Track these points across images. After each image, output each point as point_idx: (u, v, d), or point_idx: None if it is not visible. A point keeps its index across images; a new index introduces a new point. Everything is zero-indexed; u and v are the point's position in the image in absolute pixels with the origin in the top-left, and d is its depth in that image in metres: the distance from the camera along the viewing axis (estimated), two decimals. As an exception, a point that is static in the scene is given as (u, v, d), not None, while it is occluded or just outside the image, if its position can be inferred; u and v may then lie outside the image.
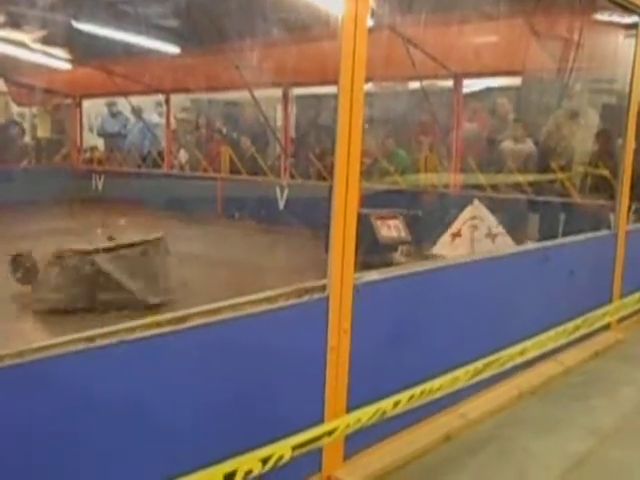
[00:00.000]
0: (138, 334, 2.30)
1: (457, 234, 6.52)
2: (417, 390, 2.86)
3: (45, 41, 10.02)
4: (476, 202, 6.84)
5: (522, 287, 4.22)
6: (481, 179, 8.39)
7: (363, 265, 6.90)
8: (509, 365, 3.47)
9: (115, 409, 2.24)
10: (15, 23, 9.25)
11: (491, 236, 6.51)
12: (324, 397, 2.89)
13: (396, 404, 2.75)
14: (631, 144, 5.45)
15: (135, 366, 2.30)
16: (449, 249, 6.46)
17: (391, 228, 6.74)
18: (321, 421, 2.84)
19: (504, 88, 10.41)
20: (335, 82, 2.81)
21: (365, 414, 2.64)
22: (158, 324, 2.37)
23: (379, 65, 6.40)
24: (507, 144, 8.66)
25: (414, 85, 9.86)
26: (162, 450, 2.37)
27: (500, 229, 6.57)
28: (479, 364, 3.27)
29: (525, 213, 7.75)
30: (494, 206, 7.55)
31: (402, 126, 10.61)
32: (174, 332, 2.38)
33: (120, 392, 2.25)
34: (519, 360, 3.52)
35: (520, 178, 8.06)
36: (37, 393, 2.06)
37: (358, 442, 3.05)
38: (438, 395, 3.00)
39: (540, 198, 7.81)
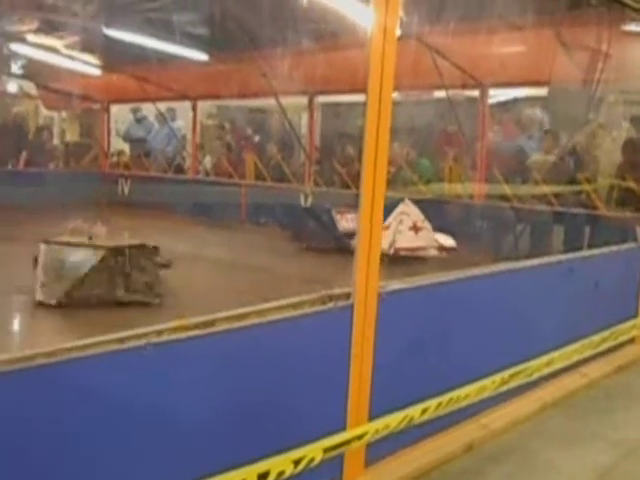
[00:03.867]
0: (166, 337, 2.34)
1: (386, 227, 7.36)
2: (445, 398, 2.88)
3: (76, 47, 10.20)
4: (407, 200, 7.89)
5: (546, 298, 4.21)
6: (506, 189, 8.36)
7: (323, 250, 7.38)
8: (535, 376, 3.47)
9: (143, 410, 2.28)
10: (48, 29, 9.43)
11: (415, 229, 7.69)
12: (346, 403, 2.90)
13: (424, 411, 2.77)
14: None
15: (163, 368, 2.34)
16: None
17: (349, 221, 8.27)
18: (343, 428, 2.86)
19: (530, 98, 10.39)
20: (360, 90, 2.83)
21: (393, 420, 2.65)
22: (186, 328, 2.41)
23: (404, 74, 6.44)
24: (537, 156, 8.64)
25: (439, 94, 9.88)
26: (186, 452, 2.41)
27: (426, 224, 7.70)
28: (506, 374, 3.27)
29: (550, 224, 7.71)
30: (519, 217, 7.55)
31: (426, 135, 10.62)
32: (201, 336, 2.42)
33: (148, 394, 2.29)
34: (545, 371, 3.51)
35: (546, 189, 8.03)
36: (67, 392, 2.10)
37: (380, 449, 3.06)
38: (465, 403, 3.01)
39: (565, 209, 7.77)
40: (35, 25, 9.61)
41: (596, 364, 4.65)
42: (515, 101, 10.21)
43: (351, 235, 7.60)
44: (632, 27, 6.47)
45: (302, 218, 9.20)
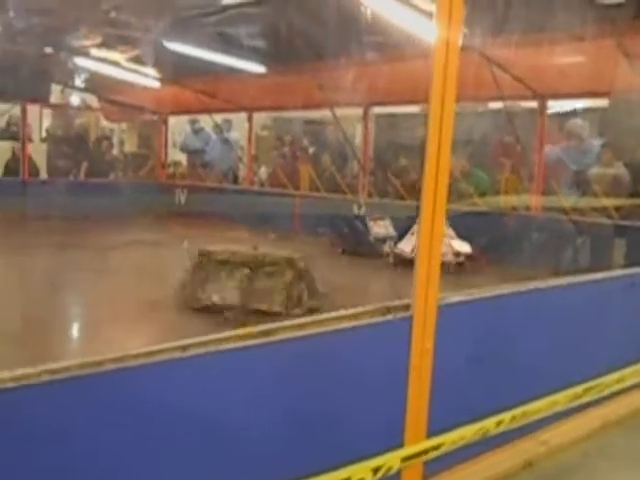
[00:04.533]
0: (229, 345, 2.38)
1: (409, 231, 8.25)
2: (518, 411, 2.84)
3: (137, 60, 10.48)
4: None
5: (609, 313, 4.11)
6: (563, 202, 8.21)
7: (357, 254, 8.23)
8: (606, 392, 3.39)
9: (203, 419, 2.31)
10: (111, 43, 9.72)
11: None
12: (405, 416, 2.89)
13: (499, 423, 2.73)
14: None
15: (224, 376, 2.37)
16: (405, 244, 8.26)
17: (381, 227, 9.11)
18: (401, 440, 2.84)
19: (590, 110, 10.19)
20: (416, 101, 2.84)
21: (468, 431, 2.62)
22: (247, 336, 2.44)
23: (462, 85, 6.40)
24: (596, 168, 8.46)
25: (495, 105, 9.78)
26: (245, 461, 2.43)
27: (450, 231, 7.85)
28: (579, 389, 3.21)
29: (611, 238, 7.52)
30: (578, 230, 7.40)
31: (482, 147, 10.51)
32: (261, 345, 2.44)
33: (209, 402, 2.33)
34: (616, 388, 3.43)
35: (606, 202, 7.84)
36: (131, 399, 2.15)
37: (437, 464, 3.03)
38: (536, 417, 2.96)
39: (627, 223, 7.57)
40: (99, 40, 9.93)
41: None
42: (574, 112, 10.01)
43: (382, 240, 8.80)
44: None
45: (339, 226, 9.70)
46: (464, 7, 2.83)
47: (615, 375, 3.42)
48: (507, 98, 8.66)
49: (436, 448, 2.49)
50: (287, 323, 2.63)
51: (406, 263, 7.99)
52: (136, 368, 2.16)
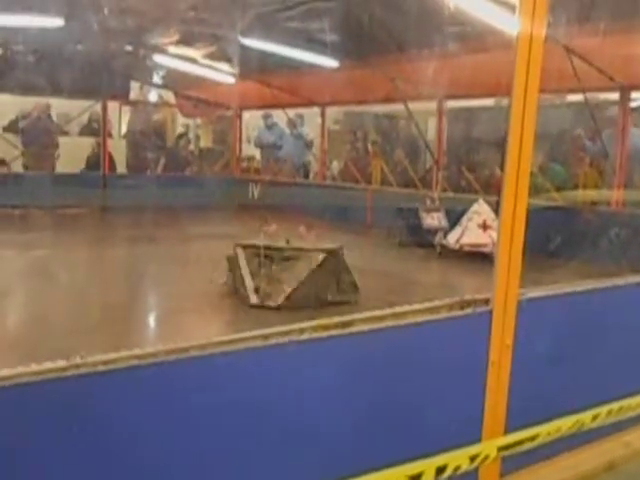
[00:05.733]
0: (307, 335, 2.41)
1: (457, 223, 8.68)
2: (615, 405, 2.77)
3: (213, 56, 10.68)
4: (480, 200, 8.71)
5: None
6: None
7: (411, 243, 8.63)
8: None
9: (281, 407, 2.35)
10: (188, 40, 9.94)
11: (484, 227, 8.40)
12: (483, 411, 2.86)
13: (595, 417, 2.67)
14: None
15: (302, 366, 2.40)
16: (452, 236, 8.62)
17: (434, 219, 9.14)
18: (478, 436, 2.82)
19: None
20: (493, 94, 2.79)
21: (564, 423, 2.58)
22: (326, 327, 2.47)
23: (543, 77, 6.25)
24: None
25: (573, 97, 9.49)
26: (321, 452, 2.46)
27: (496, 223, 7.77)
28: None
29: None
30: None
31: (560, 140, 10.23)
32: (339, 336, 2.46)
33: (287, 391, 2.36)
34: None
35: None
36: (212, 383, 2.22)
37: (515, 462, 2.98)
38: (633, 413, 2.88)
39: None
40: (176, 37, 10.17)
41: None
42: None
43: (435, 232, 8.95)
44: None
45: (396, 218, 9.81)
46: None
47: None
48: (588, 90, 8.39)
49: (532, 439, 2.46)
50: (367, 314, 2.63)
51: (451, 254, 8.38)
52: (218, 355, 2.21)
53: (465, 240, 8.37)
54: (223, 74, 11.77)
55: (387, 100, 11.38)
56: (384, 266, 7.79)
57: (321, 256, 5.79)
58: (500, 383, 2.87)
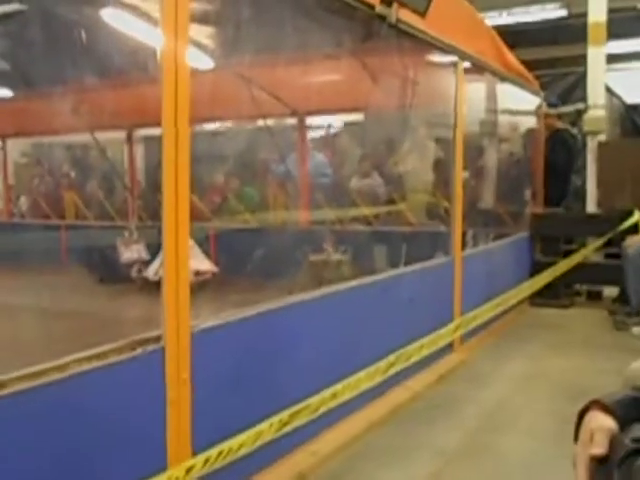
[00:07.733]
0: None
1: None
2: (275, 419, 2.84)
3: None
4: None
5: (365, 317, 4.33)
6: (330, 214, 8.58)
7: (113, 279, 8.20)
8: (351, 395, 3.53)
9: None
10: None
11: None
12: (166, 452, 2.77)
13: (271, 426, 2.69)
14: (460, 174, 5.80)
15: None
16: (150, 268, 8.19)
17: (133, 251, 8.79)
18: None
19: (350, 124, 10.87)
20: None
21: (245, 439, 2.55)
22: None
23: (216, 104, 6.45)
24: (354, 180, 9.01)
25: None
26: None
27: (194, 250, 7.61)
28: (327, 394, 3.30)
29: (371, 245, 7.99)
30: (342, 239, 7.76)
31: (249, 164, 10.64)
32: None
33: None
34: (355, 392, 3.59)
35: (365, 211, 8.34)
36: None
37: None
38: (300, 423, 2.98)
39: (385, 229, 8.10)
40: None
41: (419, 376, 4.85)
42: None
43: (133, 264, 8.62)
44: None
45: (92, 255, 9.41)
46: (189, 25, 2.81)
47: (352, 378, 3.60)
48: (270, 116, 8.86)
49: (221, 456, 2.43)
50: (23, 372, 2.38)
51: (153, 286, 7.96)
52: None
53: (162, 272, 8.16)
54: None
55: (73, 130, 10.82)
56: (80, 306, 7.34)
57: None
58: (181, 419, 2.81)
